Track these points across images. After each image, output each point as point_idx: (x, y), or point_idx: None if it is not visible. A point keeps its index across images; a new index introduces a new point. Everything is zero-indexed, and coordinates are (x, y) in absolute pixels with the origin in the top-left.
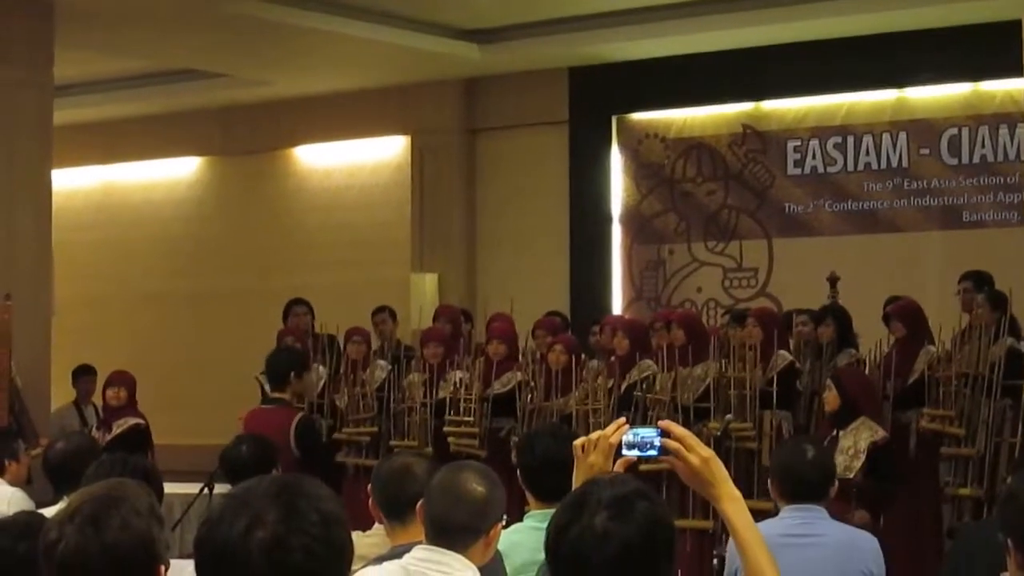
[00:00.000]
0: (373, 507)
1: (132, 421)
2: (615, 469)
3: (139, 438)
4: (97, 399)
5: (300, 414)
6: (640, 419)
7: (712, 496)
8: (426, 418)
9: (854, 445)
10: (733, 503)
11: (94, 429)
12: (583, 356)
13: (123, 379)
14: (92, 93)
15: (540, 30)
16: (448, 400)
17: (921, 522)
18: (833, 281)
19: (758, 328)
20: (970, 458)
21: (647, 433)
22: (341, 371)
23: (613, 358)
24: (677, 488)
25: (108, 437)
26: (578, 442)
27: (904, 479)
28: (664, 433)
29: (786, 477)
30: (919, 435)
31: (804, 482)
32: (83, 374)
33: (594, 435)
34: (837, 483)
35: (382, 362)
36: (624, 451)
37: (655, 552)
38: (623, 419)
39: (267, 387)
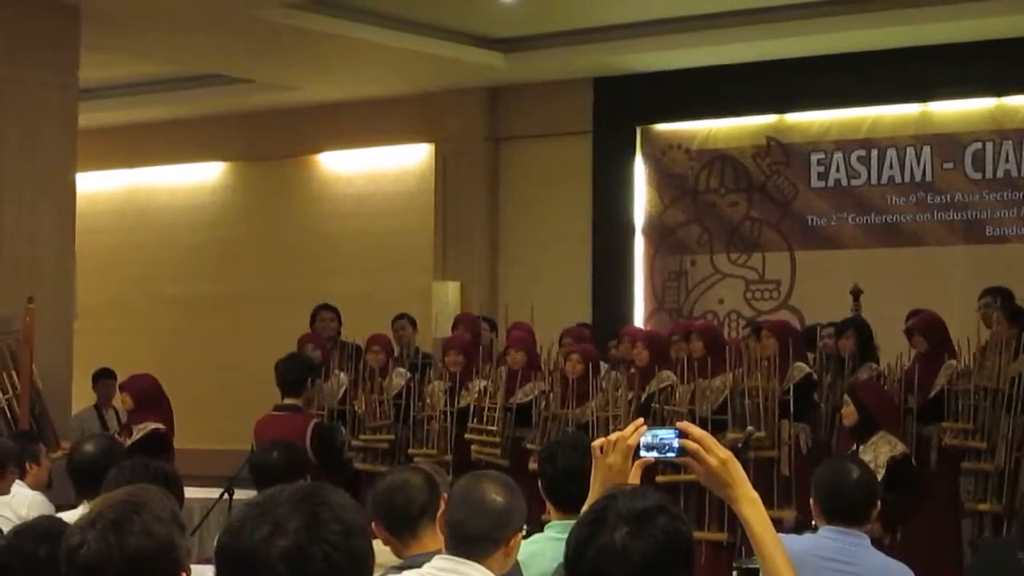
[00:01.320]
0: (377, 528)
1: (152, 426)
2: (633, 470)
3: (159, 443)
4: (117, 403)
5: (315, 420)
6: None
7: (730, 498)
8: (446, 426)
9: (874, 460)
10: (751, 505)
11: (115, 433)
12: (601, 366)
13: (129, 385)
14: (117, 96)
15: (565, 40)
16: (472, 408)
17: (940, 537)
18: (856, 294)
19: (773, 340)
20: (989, 472)
21: (665, 434)
22: (361, 379)
23: (633, 369)
24: (695, 500)
25: (128, 442)
26: (597, 443)
27: (924, 493)
28: (682, 434)
29: (830, 497)
30: (940, 449)
31: (848, 503)
32: (102, 378)
33: (613, 436)
34: (879, 505)
35: (401, 369)
36: (642, 452)
37: (674, 568)
38: (641, 420)
39: None
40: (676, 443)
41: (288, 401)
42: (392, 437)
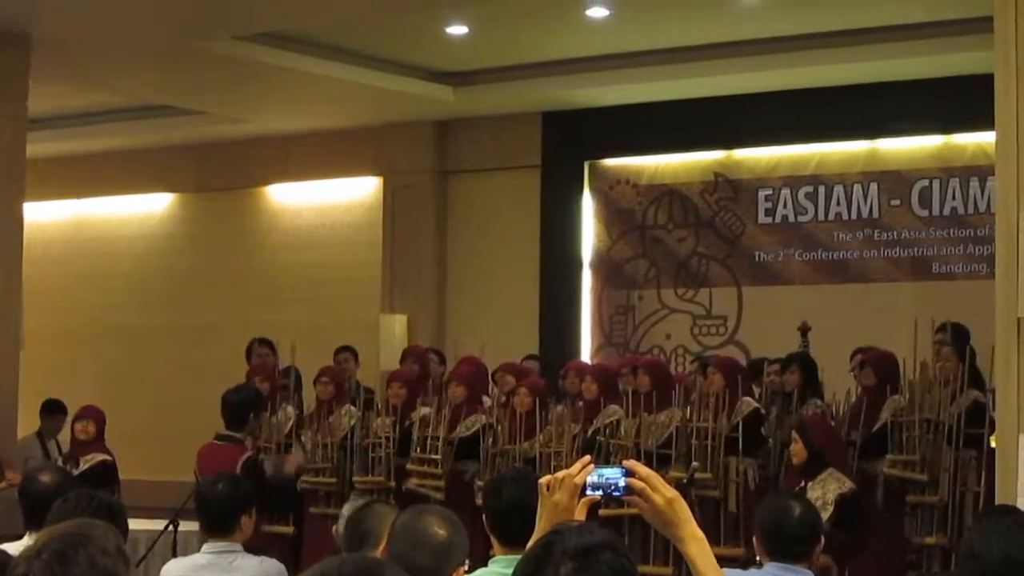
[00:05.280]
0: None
1: (100, 457)
2: (579, 508)
3: (106, 474)
4: (64, 434)
5: (247, 453)
6: (604, 463)
7: (676, 537)
8: (391, 451)
9: (822, 497)
10: (696, 543)
11: (59, 463)
12: (549, 400)
13: (92, 413)
14: (66, 127)
15: (514, 74)
16: (415, 438)
17: (886, 572)
18: (804, 331)
19: (719, 375)
20: (935, 505)
21: (612, 473)
22: (308, 412)
23: (581, 403)
24: (639, 534)
25: (75, 472)
26: (544, 480)
27: (871, 529)
28: (629, 473)
29: (772, 534)
30: (886, 484)
31: (791, 539)
32: (53, 411)
33: (560, 474)
34: (823, 540)
35: (351, 408)
36: (588, 491)
37: None
38: (588, 458)
39: None
40: (622, 482)
41: (229, 432)
42: (334, 480)
